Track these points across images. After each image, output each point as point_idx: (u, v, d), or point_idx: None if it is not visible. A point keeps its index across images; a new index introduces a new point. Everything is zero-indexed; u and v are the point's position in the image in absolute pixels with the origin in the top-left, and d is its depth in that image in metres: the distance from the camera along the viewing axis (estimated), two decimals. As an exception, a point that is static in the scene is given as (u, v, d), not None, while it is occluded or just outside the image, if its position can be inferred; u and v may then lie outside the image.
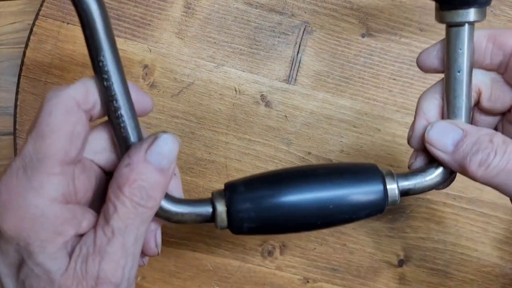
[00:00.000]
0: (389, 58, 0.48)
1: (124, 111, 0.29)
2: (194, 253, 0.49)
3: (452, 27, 0.31)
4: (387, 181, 0.31)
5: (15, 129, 0.49)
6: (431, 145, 0.31)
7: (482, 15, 0.30)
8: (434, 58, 0.32)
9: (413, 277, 0.49)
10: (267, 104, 0.48)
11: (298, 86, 0.48)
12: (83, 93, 0.28)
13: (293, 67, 0.48)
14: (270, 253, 0.49)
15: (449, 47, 0.31)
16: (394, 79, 0.48)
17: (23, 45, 0.49)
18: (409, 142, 0.34)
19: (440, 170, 0.32)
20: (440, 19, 0.31)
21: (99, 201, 0.31)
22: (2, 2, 0.51)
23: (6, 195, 0.27)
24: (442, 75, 0.33)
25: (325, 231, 0.49)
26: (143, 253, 0.32)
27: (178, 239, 0.49)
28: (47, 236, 0.27)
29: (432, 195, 0.49)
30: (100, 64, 0.28)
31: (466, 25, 0.30)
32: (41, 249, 0.27)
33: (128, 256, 0.28)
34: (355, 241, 0.49)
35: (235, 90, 0.48)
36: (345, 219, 0.32)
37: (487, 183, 0.30)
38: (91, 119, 0.29)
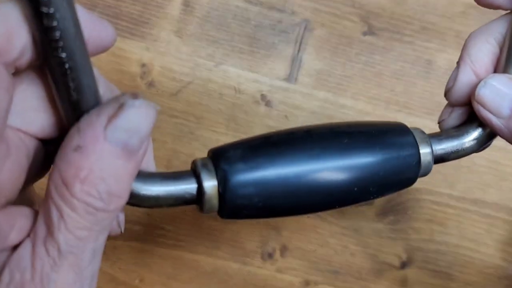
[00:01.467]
0: (391, 57, 0.48)
1: (75, 62, 0.18)
2: (193, 255, 0.48)
3: None
4: (420, 144, 0.26)
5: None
6: (483, 105, 0.25)
7: None
8: None
9: (416, 279, 0.49)
10: (268, 104, 0.48)
11: (298, 85, 0.48)
12: (4, 38, 0.17)
13: (293, 66, 0.48)
14: (270, 255, 0.49)
15: None
16: (396, 78, 0.48)
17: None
18: (446, 95, 0.28)
19: (480, 132, 0.27)
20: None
21: (38, 176, 0.22)
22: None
23: None
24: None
25: (325, 232, 0.49)
26: None
27: (176, 241, 0.48)
28: None
29: (434, 196, 0.49)
30: None
31: None
32: None
33: (84, 280, 0.19)
34: (357, 242, 0.49)
35: (235, 89, 0.48)
36: (369, 193, 0.26)
37: None
38: (16, 72, 0.19)
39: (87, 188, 0.18)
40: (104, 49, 0.21)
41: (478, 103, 0.25)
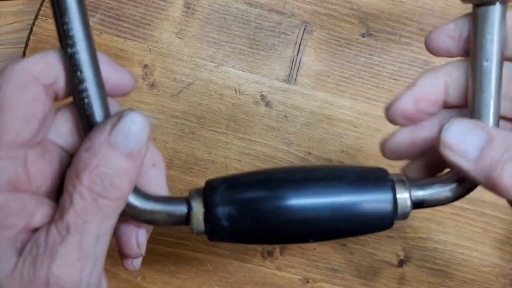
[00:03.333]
0: (389, 58, 0.48)
1: (89, 83, 0.24)
2: (194, 253, 0.49)
3: (480, 6, 0.26)
4: (398, 189, 0.26)
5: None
6: (449, 149, 0.25)
7: None
8: (450, 39, 0.27)
9: (413, 277, 0.49)
10: (267, 104, 0.48)
11: (298, 86, 0.48)
12: (42, 66, 0.24)
13: (293, 67, 0.48)
14: (270, 253, 0.49)
15: (476, 31, 0.26)
16: (394, 79, 0.48)
17: (23, 45, 0.48)
18: (387, 112, 0.28)
19: (462, 182, 0.27)
20: None
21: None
22: (2, 2, 0.51)
23: None
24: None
25: (325, 231, 0.49)
26: (125, 255, 0.29)
27: (177, 239, 0.48)
28: None
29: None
30: (65, 27, 0.24)
31: (498, 4, 0.25)
32: None
33: (87, 259, 0.23)
34: (355, 241, 0.49)
35: (235, 90, 0.48)
36: (343, 233, 0.26)
37: None
38: (57, 97, 0.25)
39: (93, 179, 0.23)
40: (123, 90, 0.27)
41: (446, 146, 0.25)
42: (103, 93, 0.25)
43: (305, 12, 0.48)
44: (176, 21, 0.48)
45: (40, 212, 0.24)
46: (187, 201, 0.27)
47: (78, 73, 0.24)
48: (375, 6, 0.48)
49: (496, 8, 0.25)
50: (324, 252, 0.49)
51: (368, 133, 0.48)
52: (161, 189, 0.28)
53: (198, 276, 0.49)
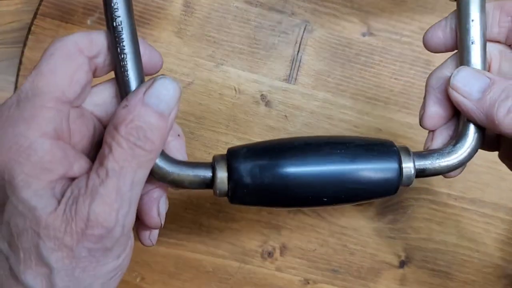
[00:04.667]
0: (390, 58, 0.48)
1: (130, 59, 0.28)
2: (193, 254, 0.49)
3: None
4: (403, 158, 0.29)
5: (13, 129, 0.48)
6: (456, 91, 0.30)
7: None
8: (442, 33, 0.32)
9: (414, 278, 0.49)
10: (267, 104, 0.48)
11: (298, 86, 0.48)
12: (87, 41, 0.28)
13: (293, 67, 0.48)
14: (270, 254, 0.49)
15: (461, 19, 0.31)
16: (395, 79, 0.48)
17: (21, 45, 0.48)
18: (421, 122, 0.32)
19: (459, 149, 0.31)
20: None
21: (96, 153, 0.29)
22: (0, 1, 0.51)
23: None
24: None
25: (325, 232, 0.49)
26: (145, 224, 0.30)
27: (177, 240, 0.48)
28: (33, 170, 0.25)
29: (433, 195, 0.49)
30: (112, 9, 0.28)
31: None
32: (25, 184, 0.25)
33: (124, 201, 0.26)
34: (356, 242, 0.49)
35: (235, 90, 0.48)
36: (353, 197, 0.29)
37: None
38: (95, 71, 0.29)
39: (129, 130, 0.26)
40: (155, 68, 0.31)
41: (453, 88, 0.30)
42: (141, 67, 0.29)
43: (306, 11, 0.48)
44: (176, 20, 0.48)
45: (78, 163, 0.27)
46: (212, 165, 0.29)
47: (122, 43, 0.28)
48: (376, 5, 0.48)
49: None
50: (325, 253, 0.49)
51: (369, 133, 0.48)
52: (183, 155, 0.31)
53: (197, 277, 0.49)
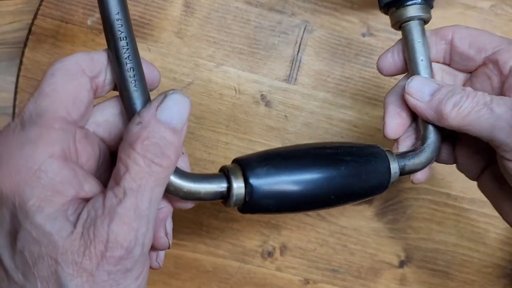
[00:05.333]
0: (390, 58, 0.48)
1: (136, 75, 0.28)
2: (193, 254, 0.49)
3: (407, 23, 0.36)
4: (390, 160, 0.34)
5: (13, 129, 0.48)
6: (411, 96, 0.35)
7: (428, 12, 0.36)
8: (391, 58, 0.37)
9: (414, 278, 0.49)
10: (267, 104, 0.48)
11: (298, 86, 0.48)
12: (88, 60, 0.28)
13: (293, 67, 0.48)
14: (270, 254, 0.49)
15: (407, 42, 0.36)
16: (395, 79, 0.48)
17: (22, 45, 0.48)
18: (384, 133, 0.37)
19: (427, 148, 0.36)
20: (395, 20, 0.37)
21: (104, 175, 0.30)
22: (1, 1, 0.51)
23: (1, 149, 0.25)
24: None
25: (325, 232, 0.49)
26: (154, 247, 0.30)
27: (177, 240, 0.48)
28: (45, 193, 0.24)
29: (433, 195, 0.49)
30: (117, 21, 0.28)
31: (417, 19, 0.36)
32: (38, 208, 0.24)
33: (142, 220, 0.25)
34: (356, 242, 0.49)
35: (235, 90, 0.48)
36: (352, 196, 0.33)
37: (458, 124, 0.33)
38: (96, 91, 0.29)
39: (146, 147, 0.26)
40: (153, 84, 0.31)
41: (407, 93, 0.35)
42: (146, 84, 0.29)
43: (306, 12, 0.48)
44: (176, 21, 0.48)
45: (88, 183, 0.26)
46: (227, 177, 0.30)
47: (129, 58, 0.28)
48: (376, 6, 0.48)
49: (417, 22, 0.36)
50: (325, 253, 0.49)
51: (369, 133, 0.48)
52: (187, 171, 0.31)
53: (198, 277, 0.49)
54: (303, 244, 0.49)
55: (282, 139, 0.48)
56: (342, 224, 0.49)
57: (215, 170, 0.48)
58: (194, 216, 0.48)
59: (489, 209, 0.49)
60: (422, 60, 0.36)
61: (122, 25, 0.28)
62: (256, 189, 0.29)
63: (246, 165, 0.30)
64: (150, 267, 0.30)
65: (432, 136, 0.36)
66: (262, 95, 0.48)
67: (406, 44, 0.36)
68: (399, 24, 0.37)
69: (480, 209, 0.49)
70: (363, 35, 0.48)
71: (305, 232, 0.49)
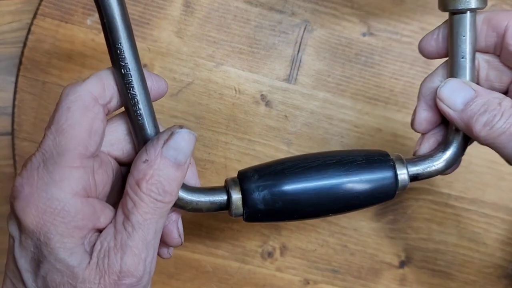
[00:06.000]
0: (390, 58, 0.48)
1: (140, 98, 0.29)
2: (193, 254, 0.49)
3: (455, 14, 0.32)
4: (397, 166, 0.32)
5: (13, 129, 0.48)
6: (442, 101, 0.32)
7: (484, 3, 0.32)
8: (434, 42, 0.34)
9: (414, 278, 0.49)
10: (267, 104, 0.48)
11: (298, 86, 0.48)
12: (100, 88, 0.29)
13: (293, 67, 0.48)
14: (270, 254, 0.49)
15: (452, 34, 0.32)
16: (395, 79, 0.48)
17: (21, 45, 0.48)
18: (412, 125, 0.35)
19: (447, 154, 0.33)
20: (443, 7, 0.32)
21: (116, 193, 0.32)
22: (0, 1, 0.51)
23: (28, 189, 0.27)
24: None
25: (325, 232, 0.49)
26: (167, 244, 0.33)
27: (177, 240, 0.48)
28: (67, 230, 0.27)
29: (433, 195, 0.49)
30: (118, 51, 0.29)
31: (468, 12, 0.32)
32: (61, 244, 0.27)
33: (149, 249, 0.28)
34: (356, 242, 0.49)
35: (235, 90, 0.48)
36: (356, 206, 0.33)
37: (488, 143, 0.31)
38: (108, 113, 0.30)
39: (150, 186, 0.28)
40: (161, 94, 0.32)
41: (439, 99, 0.32)
42: (151, 105, 0.30)
43: (306, 11, 0.48)
44: (175, 20, 0.48)
45: (104, 214, 0.29)
46: (226, 190, 0.32)
47: (131, 90, 0.29)
48: (376, 5, 0.48)
49: (467, 15, 0.32)
50: (325, 253, 0.49)
51: (369, 133, 0.48)
52: (195, 182, 0.33)
53: (197, 277, 0.49)
54: (303, 244, 0.49)
55: (282, 139, 0.48)
56: (342, 224, 0.49)
57: (214, 170, 0.48)
58: (193, 216, 0.48)
59: (490, 210, 0.49)
60: (462, 58, 0.32)
61: (122, 49, 0.29)
62: (252, 200, 0.31)
63: (244, 177, 0.32)
64: (162, 257, 0.34)
65: (457, 143, 0.33)
66: (262, 95, 0.48)
67: (450, 34, 0.33)
68: (446, 9, 0.33)
69: (480, 209, 0.49)
70: (364, 34, 0.48)
71: (305, 232, 0.49)
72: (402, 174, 0.32)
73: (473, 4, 0.31)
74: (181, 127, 0.29)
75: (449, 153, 0.33)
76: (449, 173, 0.35)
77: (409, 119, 0.48)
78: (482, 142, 0.31)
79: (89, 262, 0.27)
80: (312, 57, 0.48)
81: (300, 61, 0.48)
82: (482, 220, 0.49)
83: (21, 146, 0.49)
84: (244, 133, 0.48)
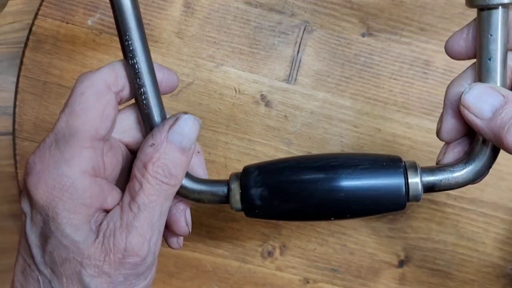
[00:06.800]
0: (390, 58, 0.48)
1: (148, 88, 0.30)
2: (193, 253, 0.49)
3: (483, 10, 0.28)
4: (409, 174, 0.29)
5: (14, 129, 0.49)
6: (467, 109, 0.29)
7: None
8: (464, 42, 0.30)
9: (414, 277, 0.49)
10: (267, 104, 0.48)
11: (298, 86, 0.48)
12: (113, 76, 0.30)
13: (293, 67, 0.48)
14: (270, 254, 0.49)
15: (479, 32, 0.29)
16: (394, 79, 0.48)
17: (22, 45, 0.48)
18: (438, 135, 0.32)
19: (471, 167, 0.30)
20: (470, 2, 0.29)
21: (124, 178, 0.32)
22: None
23: (39, 165, 0.28)
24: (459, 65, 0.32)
25: (325, 231, 0.49)
26: (175, 233, 0.34)
27: (177, 239, 0.48)
28: (74, 207, 0.28)
29: (432, 195, 0.49)
30: (126, 43, 0.29)
31: (500, 8, 0.28)
32: (68, 220, 0.28)
33: (154, 230, 0.29)
34: (356, 241, 0.49)
35: (235, 90, 0.48)
36: (360, 212, 0.30)
37: None
38: (120, 102, 0.31)
39: (156, 169, 0.29)
40: (172, 87, 0.33)
41: (464, 106, 0.29)
42: (159, 95, 0.31)
43: (305, 12, 0.48)
44: (176, 21, 0.48)
45: (111, 195, 0.30)
46: (227, 183, 0.32)
47: (138, 80, 0.30)
48: (376, 6, 0.48)
49: (499, 11, 0.28)
50: (325, 252, 0.49)
51: (368, 133, 0.48)
52: (203, 172, 0.34)
53: (198, 276, 0.49)
54: (303, 243, 0.49)
55: (282, 139, 0.48)
56: (341, 224, 0.49)
57: (215, 169, 0.48)
58: (194, 215, 0.48)
59: (489, 209, 0.49)
60: (490, 59, 0.28)
61: (130, 41, 0.30)
62: (250, 195, 0.31)
63: (245, 173, 0.32)
64: (172, 248, 0.35)
65: (483, 155, 0.30)
66: (262, 95, 0.48)
67: (477, 32, 0.29)
68: (474, 5, 0.29)
69: (479, 209, 0.49)
70: (363, 35, 0.48)
71: (305, 232, 0.49)
72: (414, 182, 0.29)
73: None
74: (185, 113, 0.30)
75: (473, 165, 0.30)
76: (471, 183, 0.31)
77: (408, 119, 0.48)
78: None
79: (94, 240, 0.28)
80: (311, 57, 0.48)
81: (299, 62, 0.48)
82: (481, 220, 0.49)
83: (22, 146, 0.49)
84: (244, 133, 0.48)
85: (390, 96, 0.48)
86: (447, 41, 0.31)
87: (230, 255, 0.49)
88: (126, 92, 0.31)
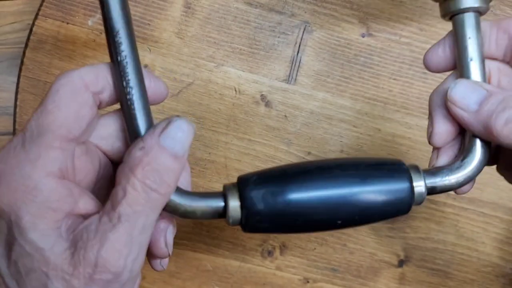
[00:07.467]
0: (389, 58, 0.48)
1: (134, 90, 0.28)
2: (194, 253, 0.49)
3: (459, 15, 0.31)
4: (414, 177, 0.29)
5: (14, 129, 0.49)
6: (453, 104, 0.30)
7: (486, 3, 0.30)
8: (442, 52, 0.32)
9: (413, 277, 0.49)
10: (267, 104, 0.48)
11: (298, 86, 0.48)
12: (93, 76, 0.28)
13: (293, 67, 0.48)
14: (270, 253, 0.49)
15: (458, 38, 0.31)
16: (394, 79, 0.48)
17: (23, 45, 0.48)
18: (430, 140, 0.32)
19: (468, 163, 0.30)
20: (444, 11, 0.31)
21: (101, 188, 0.30)
22: (2, 2, 0.51)
23: (2, 166, 0.26)
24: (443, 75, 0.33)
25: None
26: (153, 254, 0.30)
27: (178, 239, 0.48)
28: (39, 211, 0.25)
29: (432, 195, 0.49)
30: (116, 44, 0.28)
31: (472, 12, 0.30)
32: (32, 225, 0.25)
33: (133, 246, 0.26)
34: (355, 241, 0.49)
35: (235, 90, 0.48)
36: (367, 218, 0.29)
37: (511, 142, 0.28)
38: (100, 105, 0.29)
39: (146, 173, 0.26)
40: (160, 98, 0.31)
41: (450, 101, 0.30)
42: (147, 103, 0.29)
43: (305, 12, 0.48)
44: (176, 21, 0.48)
45: (83, 200, 0.27)
46: (223, 195, 0.29)
47: (127, 86, 0.28)
48: (375, 6, 0.48)
49: (471, 15, 0.31)
50: (324, 252, 0.49)
51: (368, 133, 0.48)
52: (187, 187, 0.31)
53: (198, 276, 0.49)
54: (302, 243, 0.49)
55: (282, 139, 0.48)
56: (341, 223, 0.49)
57: (215, 169, 0.48)
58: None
59: (488, 209, 0.49)
60: (471, 59, 0.30)
61: (122, 44, 0.28)
62: (251, 205, 0.28)
63: (243, 182, 0.29)
64: (155, 270, 0.32)
65: (476, 151, 0.30)
66: (262, 95, 0.48)
67: (456, 40, 0.31)
68: (450, 15, 0.31)
69: (479, 208, 0.49)
70: (363, 35, 0.48)
71: (304, 231, 0.49)
72: (419, 186, 0.29)
73: (476, 3, 0.30)
74: (178, 116, 0.28)
75: (469, 162, 0.30)
76: (466, 191, 0.32)
77: (408, 119, 0.48)
78: (504, 143, 0.28)
79: (64, 250, 0.25)
80: (311, 57, 0.48)
81: (299, 62, 0.48)
82: (480, 220, 0.49)
83: (23, 146, 0.49)
84: (244, 133, 0.48)
85: (390, 96, 0.48)
86: (425, 55, 0.32)
87: (230, 254, 0.49)
88: (106, 94, 0.28)
